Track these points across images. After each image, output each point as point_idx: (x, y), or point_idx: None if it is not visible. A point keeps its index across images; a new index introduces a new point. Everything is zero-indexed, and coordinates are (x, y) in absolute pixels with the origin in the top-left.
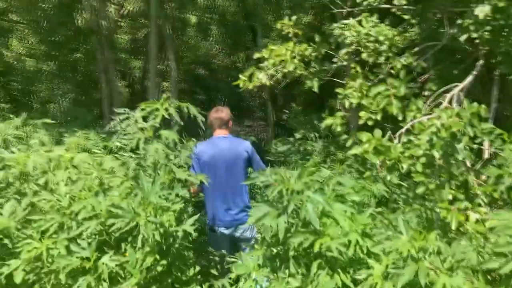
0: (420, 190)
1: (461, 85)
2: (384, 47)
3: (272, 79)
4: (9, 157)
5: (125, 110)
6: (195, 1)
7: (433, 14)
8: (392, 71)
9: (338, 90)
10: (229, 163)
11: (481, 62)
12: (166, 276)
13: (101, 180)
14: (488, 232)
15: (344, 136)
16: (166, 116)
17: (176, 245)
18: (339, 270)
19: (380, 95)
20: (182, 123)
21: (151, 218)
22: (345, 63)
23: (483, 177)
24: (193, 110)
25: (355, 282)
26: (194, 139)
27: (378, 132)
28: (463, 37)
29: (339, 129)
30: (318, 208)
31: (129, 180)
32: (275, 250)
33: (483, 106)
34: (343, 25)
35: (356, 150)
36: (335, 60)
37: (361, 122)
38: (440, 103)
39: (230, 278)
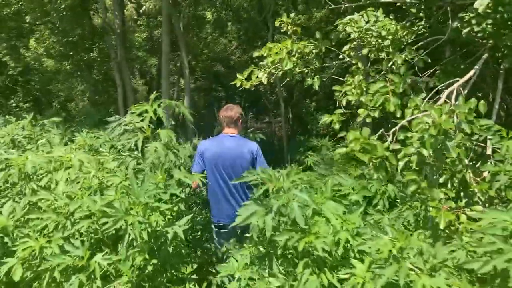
0: (411, 188)
1: (461, 80)
2: (387, 42)
3: (272, 77)
4: (8, 158)
5: (115, 117)
6: None
7: (438, 7)
8: (394, 66)
9: (335, 87)
10: (231, 162)
11: (485, 56)
12: (158, 275)
13: (100, 179)
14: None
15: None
16: (154, 118)
17: (168, 245)
18: (326, 269)
19: (379, 92)
20: (173, 123)
21: (139, 218)
22: (347, 59)
23: (484, 175)
24: (183, 110)
25: (342, 282)
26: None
27: (366, 131)
28: (465, 31)
29: (336, 126)
30: (310, 206)
31: (127, 180)
32: (262, 249)
33: (482, 102)
34: (348, 21)
35: (342, 150)
36: (340, 56)
37: (359, 119)
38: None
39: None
